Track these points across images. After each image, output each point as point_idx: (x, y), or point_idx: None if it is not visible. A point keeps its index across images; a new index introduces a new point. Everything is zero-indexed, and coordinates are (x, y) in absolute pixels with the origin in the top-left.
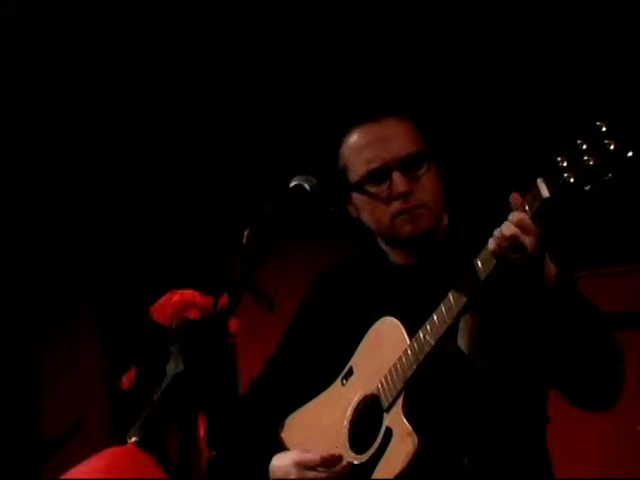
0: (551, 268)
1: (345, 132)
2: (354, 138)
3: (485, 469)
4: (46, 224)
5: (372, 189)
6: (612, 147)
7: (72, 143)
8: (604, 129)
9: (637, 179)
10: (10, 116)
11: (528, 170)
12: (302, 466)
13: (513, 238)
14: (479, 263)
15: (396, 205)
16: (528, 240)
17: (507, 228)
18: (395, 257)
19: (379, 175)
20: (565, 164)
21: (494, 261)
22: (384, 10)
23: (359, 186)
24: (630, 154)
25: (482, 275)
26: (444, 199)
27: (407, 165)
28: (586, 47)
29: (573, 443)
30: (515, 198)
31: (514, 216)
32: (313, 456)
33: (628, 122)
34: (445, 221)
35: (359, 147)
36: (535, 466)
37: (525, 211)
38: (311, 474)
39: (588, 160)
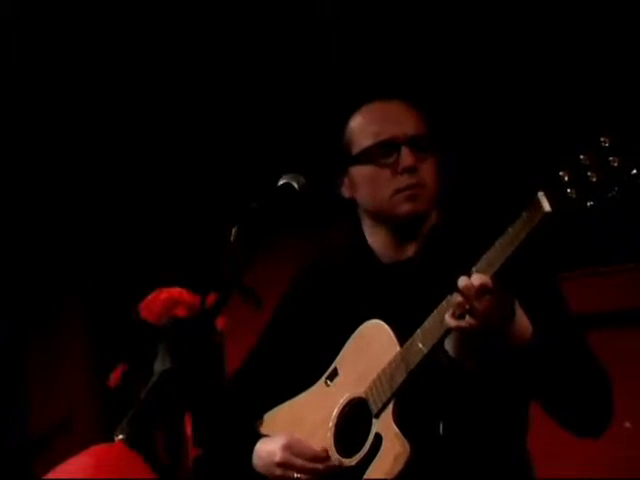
0: (524, 323)
1: (354, 111)
2: (362, 114)
3: (472, 472)
4: (35, 222)
5: (379, 160)
6: (616, 164)
7: (65, 142)
8: (608, 145)
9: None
10: (7, 115)
11: (526, 181)
12: (290, 451)
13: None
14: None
15: (401, 179)
16: (478, 304)
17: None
18: (381, 252)
19: (387, 147)
20: (567, 179)
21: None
22: (390, 4)
23: (365, 156)
24: (634, 172)
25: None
26: (438, 195)
27: (415, 144)
28: (595, 62)
29: (559, 441)
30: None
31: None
32: (305, 447)
33: (633, 139)
34: (434, 218)
35: (367, 122)
36: (518, 468)
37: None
38: (297, 461)
39: (591, 176)
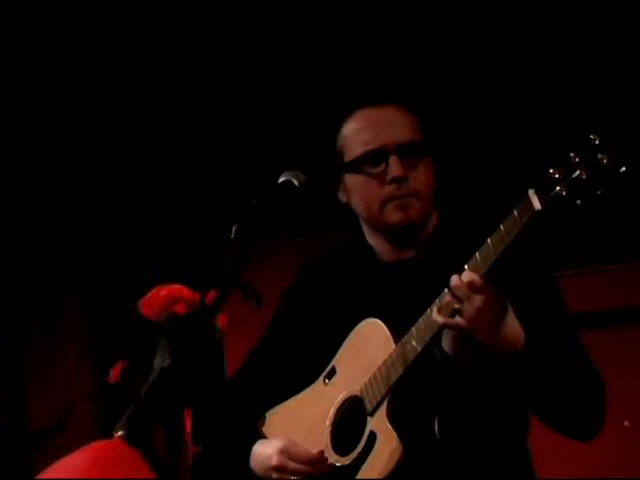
0: (515, 330)
1: (346, 115)
2: (355, 120)
3: (466, 472)
4: (35, 218)
5: (368, 169)
6: (605, 162)
7: (64, 142)
8: (597, 142)
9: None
10: (7, 115)
11: (523, 179)
12: (286, 455)
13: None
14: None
15: (389, 189)
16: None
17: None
18: (381, 251)
19: (376, 157)
20: (557, 176)
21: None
22: (386, 7)
23: (355, 165)
24: (623, 169)
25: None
26: (436, 197)
27: (405, 151)
28: (586, 61)
29: (559, 440)
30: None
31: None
32: (300, 450)
33: (622, 137)
34: (435, 220)
35: (359, 129)
36: (514, 466)
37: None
38: (293, 465)
39: (580, 174)
